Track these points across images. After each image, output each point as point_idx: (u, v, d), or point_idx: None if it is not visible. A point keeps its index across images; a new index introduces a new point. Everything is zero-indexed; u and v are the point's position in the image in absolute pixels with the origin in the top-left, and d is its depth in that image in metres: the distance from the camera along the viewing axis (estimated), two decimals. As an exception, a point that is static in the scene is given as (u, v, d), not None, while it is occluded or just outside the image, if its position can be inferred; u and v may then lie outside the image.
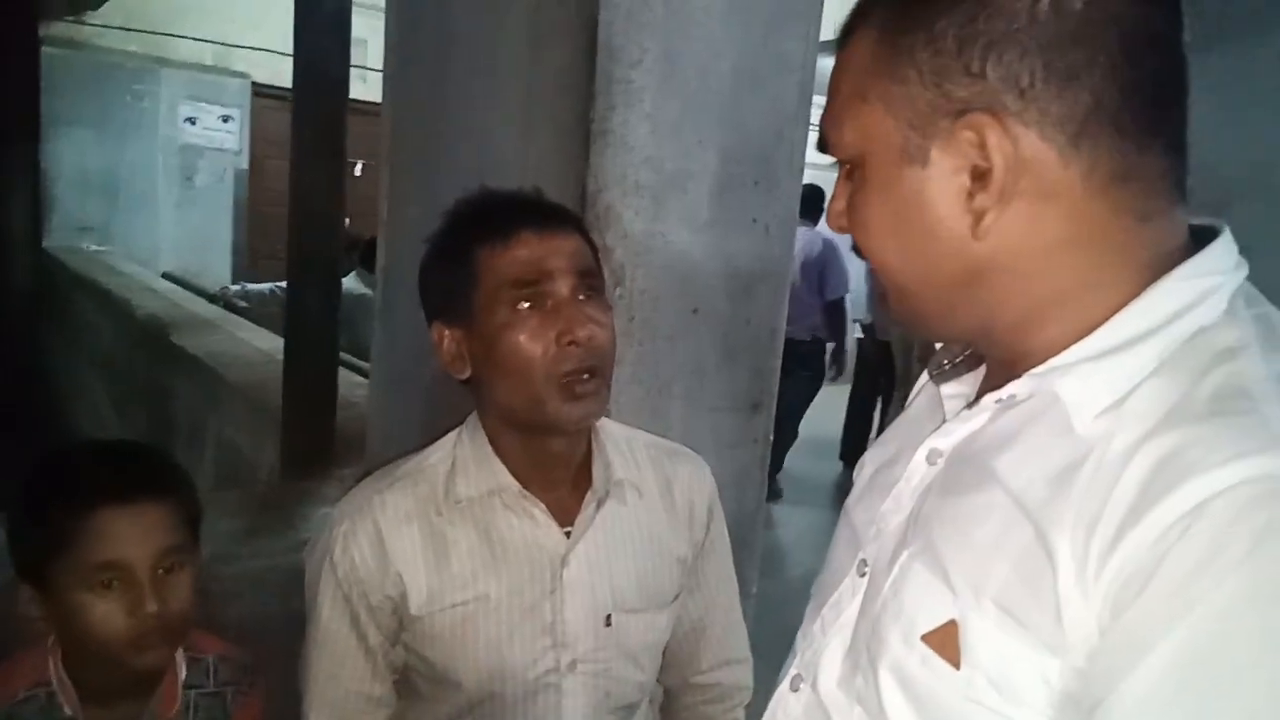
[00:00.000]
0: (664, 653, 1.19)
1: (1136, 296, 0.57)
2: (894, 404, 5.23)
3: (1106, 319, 0.58)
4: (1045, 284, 0.59)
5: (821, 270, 4.74)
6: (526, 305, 0.98)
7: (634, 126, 1.45)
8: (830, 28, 1.68)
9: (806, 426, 5.02)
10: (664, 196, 1.50)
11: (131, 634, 0.97)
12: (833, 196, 0.68)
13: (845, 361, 5.19)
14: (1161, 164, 0.58)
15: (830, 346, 5.18)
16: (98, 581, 0.97)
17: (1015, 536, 0.56)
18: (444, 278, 1.05)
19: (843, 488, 5.23)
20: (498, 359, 0.99)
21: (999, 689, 0.55)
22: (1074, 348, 0.58)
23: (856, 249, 0.70)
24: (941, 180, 0.59)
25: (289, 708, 1.15)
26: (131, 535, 0.98)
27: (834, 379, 5.21)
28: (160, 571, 0.99)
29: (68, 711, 1.02)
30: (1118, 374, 0.56)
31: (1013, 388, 0.60)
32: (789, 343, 1.78)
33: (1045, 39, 0.55)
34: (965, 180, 0.58)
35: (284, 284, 4.65)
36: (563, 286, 0.99)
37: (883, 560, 0.67)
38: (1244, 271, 0.59)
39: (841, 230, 0.68)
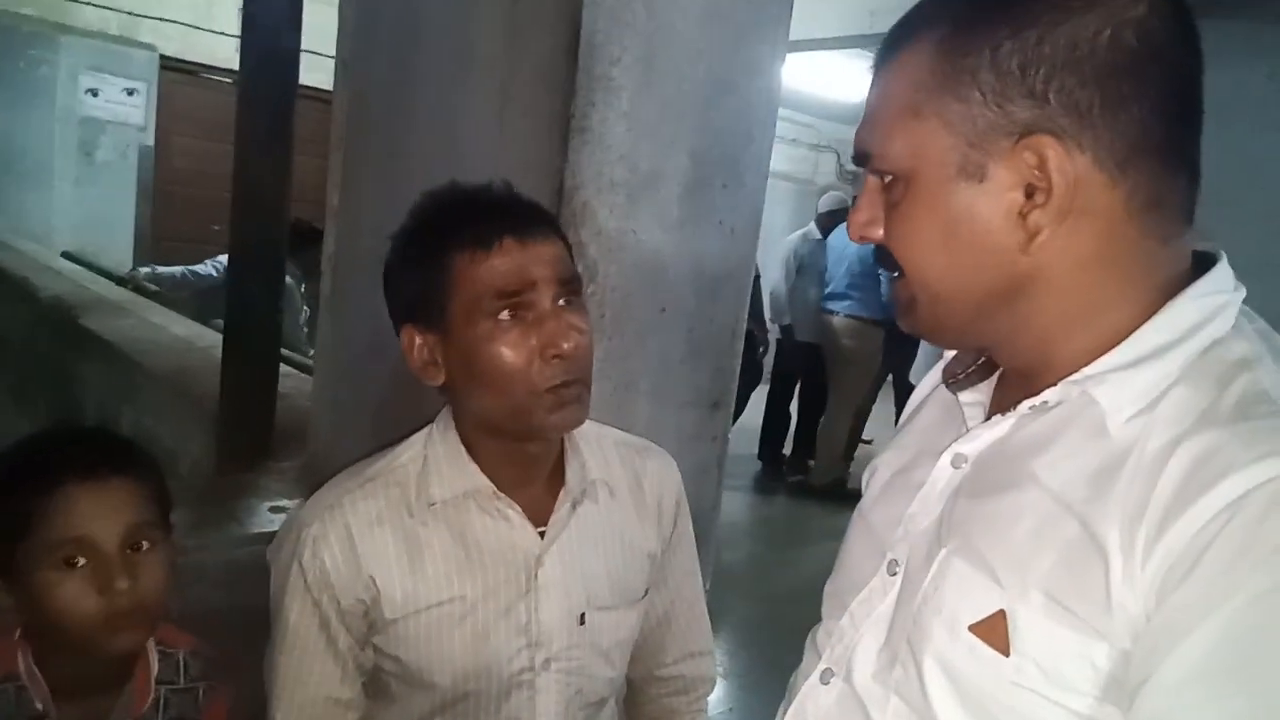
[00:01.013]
0: None
1: (1153, 312, 0.62)
2: (832, 407, 5.33)
3: (1127, 333, 0.63)
4: (1075, 298, 0.64)
5: None
6: (508, 316, 0.96)
7: (612, 125, 1.47)
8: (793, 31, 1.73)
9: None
10: (638, 195, 1.52)
11: (103, 614, 0.95)
12: (856, 208, 0.71)
13: (764, 345, 5.33)
14: (1184, 191, 0.63)
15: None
16: (65, 560, 0.94)
17: (1059, 530, 0.60)
18: (415, 283, 1.01)
19: (760, 482, 5.34)
20: (477, 370, 0.97)
21: (1046, 673, 0.59)
22: (1106, 358, 0.63)
23: (878, 259, 0.72)
24: (996, 196, 0.62)
25: (238, 702, 1.13)
26: (97, 511, 0.96)
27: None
28: (129, 550, 0.97)
29: (38, 706, 0.98)
30: (1148, 381, 0.61)
31: (1047, 395, 0.65)
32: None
33: (1103, 68, 0.59)
34: (1018, 197, 0.62)
35: (195, 268, 4.49)
36: (545, 297, 0.97)
37: (917, 559, 0.70)
38: (1243, 292, 0.65)
39: (865, 240, 0.70)
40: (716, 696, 3.11)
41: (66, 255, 5.28)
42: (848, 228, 0.73)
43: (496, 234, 0.96)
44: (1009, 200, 0.62)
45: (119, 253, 5.91)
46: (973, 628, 0.62)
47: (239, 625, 1.14)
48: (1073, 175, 0.60)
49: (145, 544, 0.99)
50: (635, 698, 1.28)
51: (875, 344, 5.07)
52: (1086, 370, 0.63)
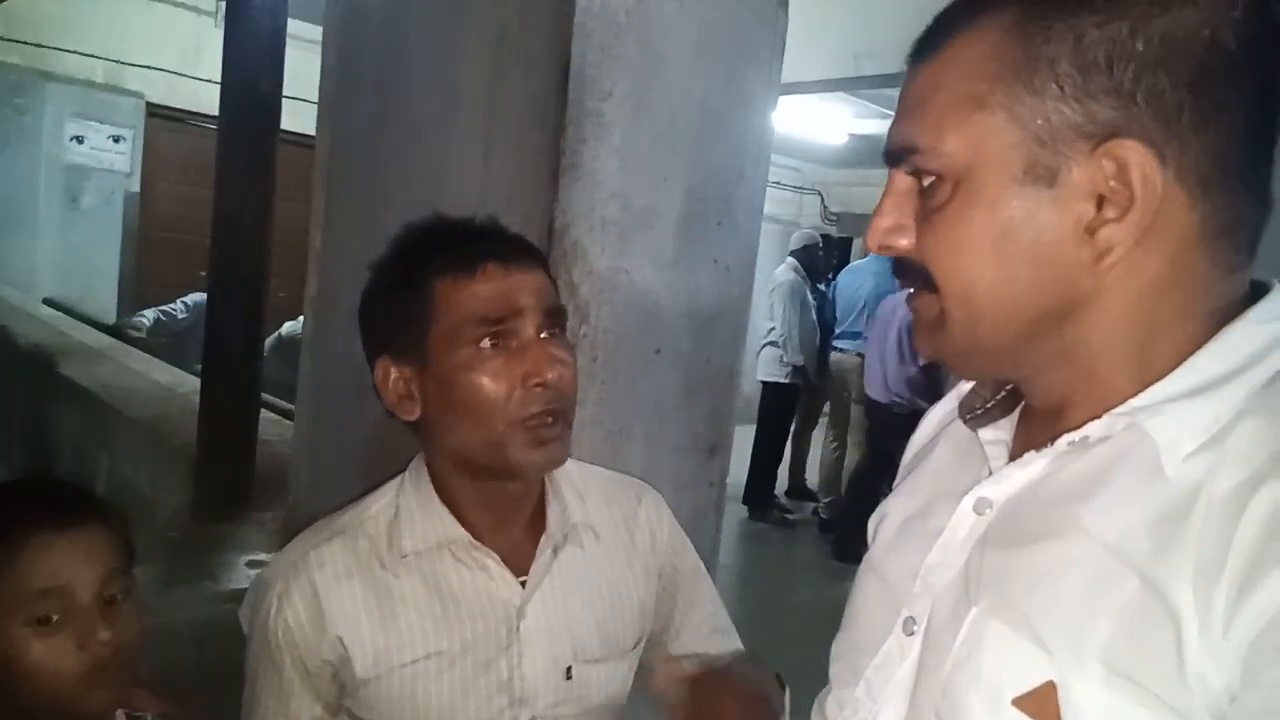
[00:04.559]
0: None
1: (1207, 339, 0.56)
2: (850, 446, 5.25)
3: (1178, 361, 0.56)
4: (1131, 326, 0.57)
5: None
6: (490, 344, 0.92)
7: (604, 161, 1.42)
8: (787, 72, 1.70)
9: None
10: (630, 233, 1.47)
11: (83, 669, 0.87)
12: (879, 212, 0.62)
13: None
14: (1256, 219, 0.57)
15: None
16: (39, 615, 0.87)
17: (1117, 589, 0.53)
18: (393, 311, 0.97)
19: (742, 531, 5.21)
20: (456, 401, 0.92)
21: None
22: (1158, 386, 0.56)
23: (897, 272, 0.64)
24: (1064, 205, 0.55)
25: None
26: (72, 559, 0.89)
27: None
28: (105, 601, 0.90)
29: None
30: (1207, 414, 0.54)
31: (1090, 429, 0.58)
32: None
33: (1199, 71, 0.52)
34: (1089, 209, 0.55)
35: (165, 308, 4.39)
36: (529, 325, 0.93)
37: (941, 617, 0.63)
38: None
39: (885, 251, 0.62)
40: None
41: (48, 302, 5.21)
42: (867, 236, 0.64)
43: (480, 259, 0.93)
44: (1078, 211, 0.55)
45: (103, 299, 5.86)
46: (1017, 701, 0.55)
47: (210, 687, 1.08)
48: (1158, 189, 0.53)
49: (119, 594, 0.93)
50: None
51: None
52: (1134, 401, 0.56)
